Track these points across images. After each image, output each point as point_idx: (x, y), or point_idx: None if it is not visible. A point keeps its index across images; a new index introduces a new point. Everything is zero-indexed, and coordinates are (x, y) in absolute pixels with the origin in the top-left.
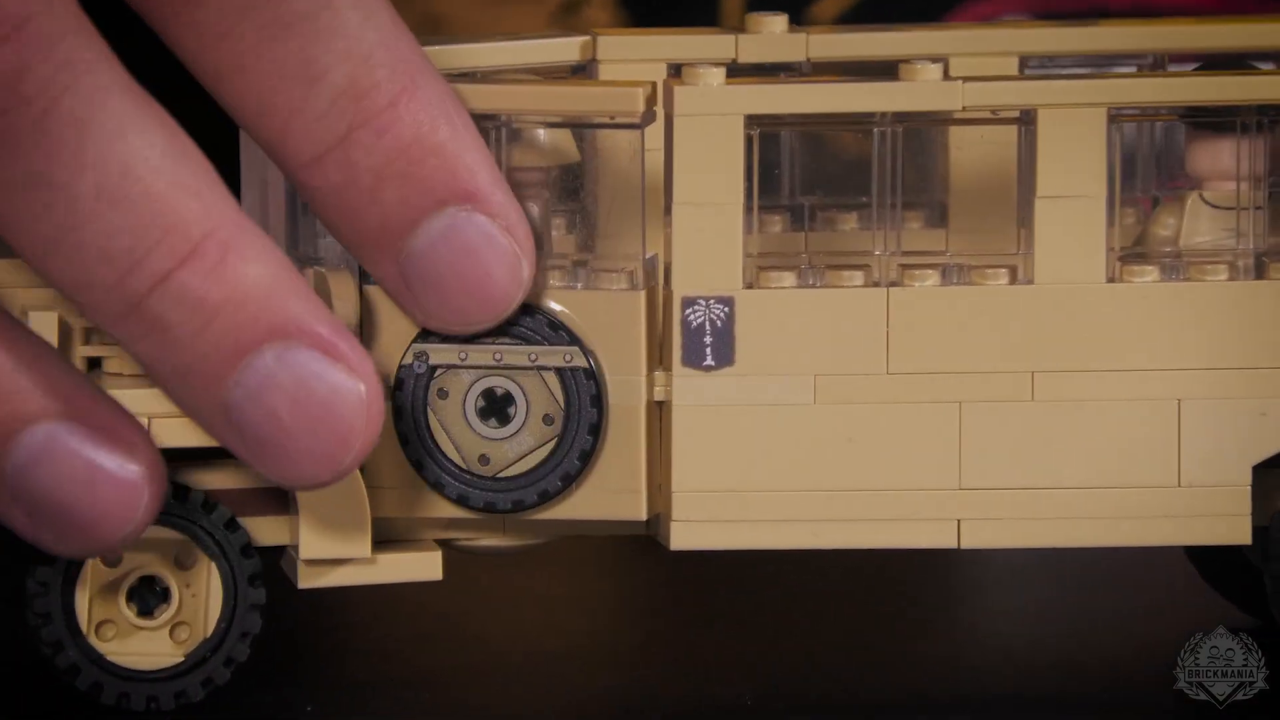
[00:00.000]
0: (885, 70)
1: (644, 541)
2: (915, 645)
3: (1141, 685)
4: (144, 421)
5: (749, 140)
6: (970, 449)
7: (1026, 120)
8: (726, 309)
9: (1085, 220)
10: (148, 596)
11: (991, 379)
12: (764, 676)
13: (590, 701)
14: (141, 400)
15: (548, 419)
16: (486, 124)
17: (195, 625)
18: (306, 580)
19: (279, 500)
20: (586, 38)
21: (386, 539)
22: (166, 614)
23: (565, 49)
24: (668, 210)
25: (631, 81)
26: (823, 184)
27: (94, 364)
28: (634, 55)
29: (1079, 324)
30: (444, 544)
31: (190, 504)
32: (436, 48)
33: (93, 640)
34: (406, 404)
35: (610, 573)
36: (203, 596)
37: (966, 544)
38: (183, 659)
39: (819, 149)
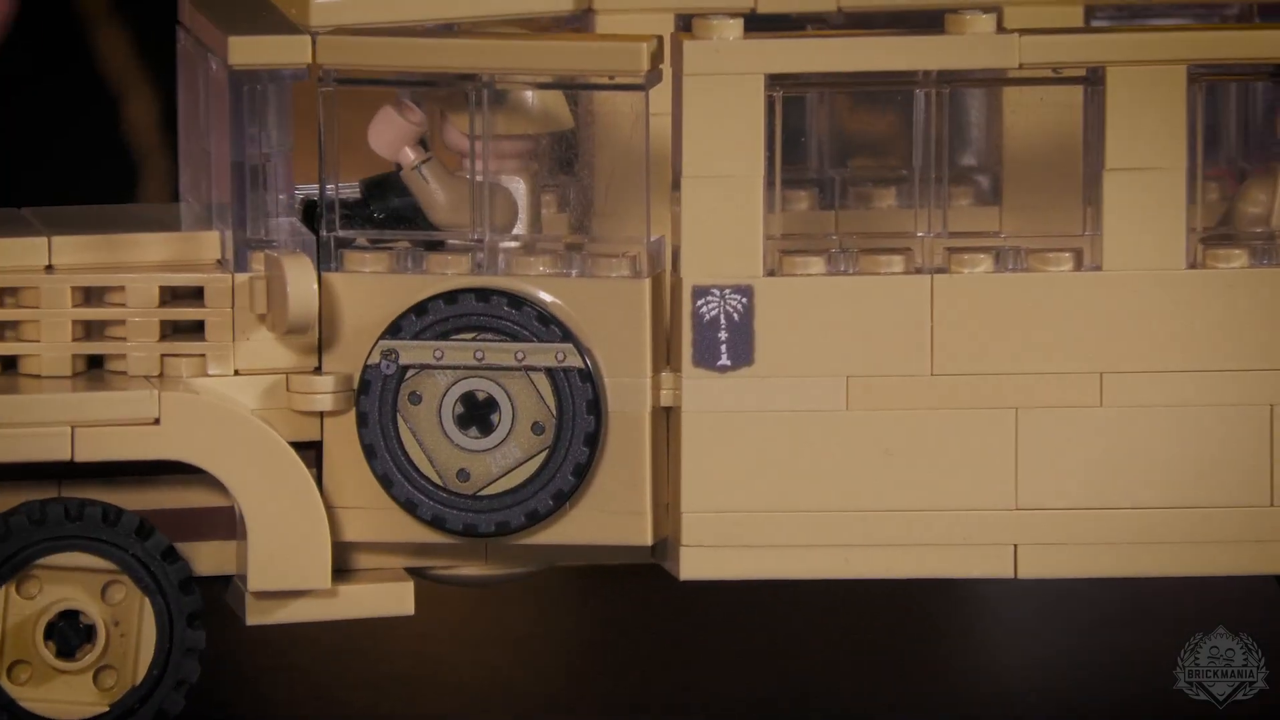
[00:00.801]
0: (929, 22)
1: (624, 569)
2: (913, 645)
3: (1141, 685)
4: (66, 430)
5: (770, 103)
6: (1028, 463)
7: (1093, 80)
8: (745, 300)
9: (1162, 196)
10: (69, 634)
11: (1053, 382)
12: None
13: None
14: (64, 407)
15: (537, 427)
16: (465, 84)
17: (123, 670)
18: (255, 615)
19: (222, 524)
20: None
21: (348, 568)
22: (90, 656)
23: None
24: (675, 185)
25: (634, 36)
26: (856, 155)
27: (9, 363)
28: (636, 4)
29: (1154, 317)
30: (415, 573)
31: (121, 528)
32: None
33: (3, 683)
34: (373, 410)
35: (587, 601)
36: (133, 636)
37: (1025, 573)
38: (107, 709)
39: (852, 114)
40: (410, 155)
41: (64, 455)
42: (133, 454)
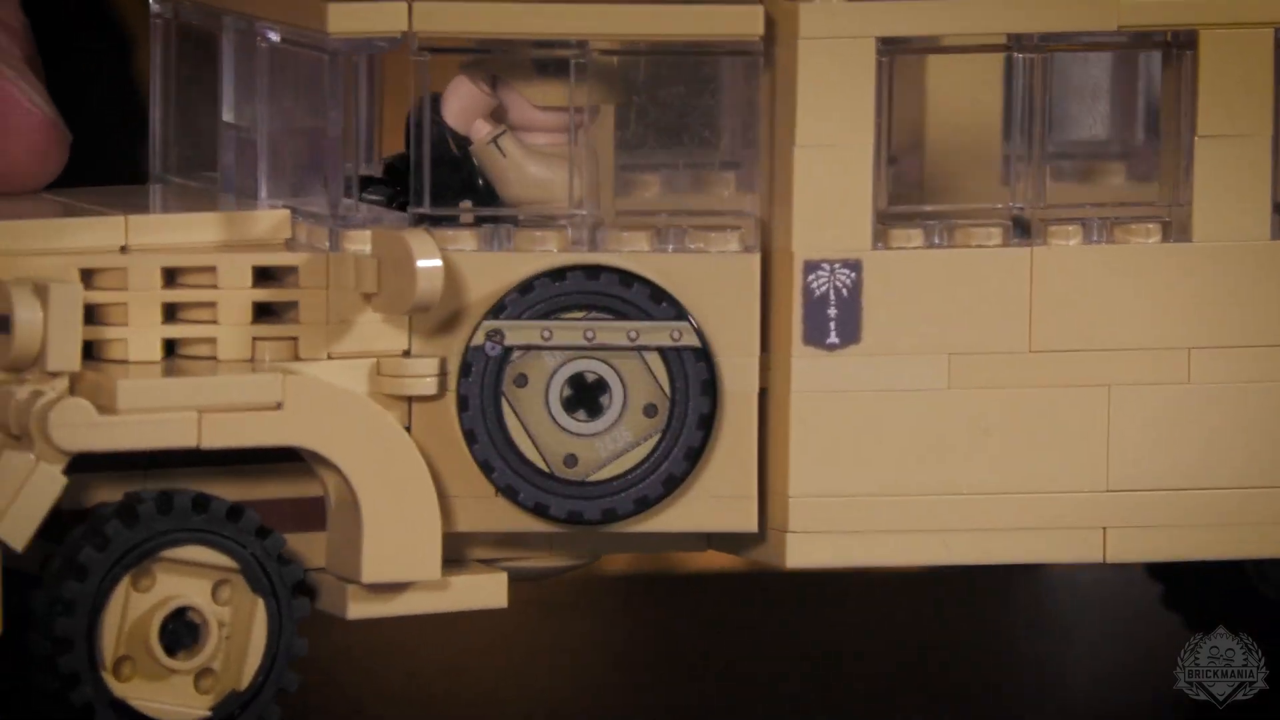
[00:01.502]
0: None
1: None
2: (911, 644)
3: (1142, 685)
4: (193, 415)
5: (880, 68)
6: (1118, 443)
7: (1179, 44)
8: (853, 275)
9: (1250, 164)
10: (181, 633)
11: (1143, 358)
12: None
13: None
14: (192, 391)
15: (649, 409)
16: (565, 51)
17: (225, 673)
18: (358, 609)
19: (305, 514)
20: None
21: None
22: (198, 656)
23: None
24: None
25: None
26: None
27: (170, 346)
28: None
29: (1241, 290)
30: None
31: (244, 525)
32: None
33: (109, 680)
34: (475, 394)
35: (597, 612)
36: (240, 639)
37: (1113, 557)
38: (209, 713)
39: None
40: (484, 127)
41: (191, 442)
42: (256, 440)
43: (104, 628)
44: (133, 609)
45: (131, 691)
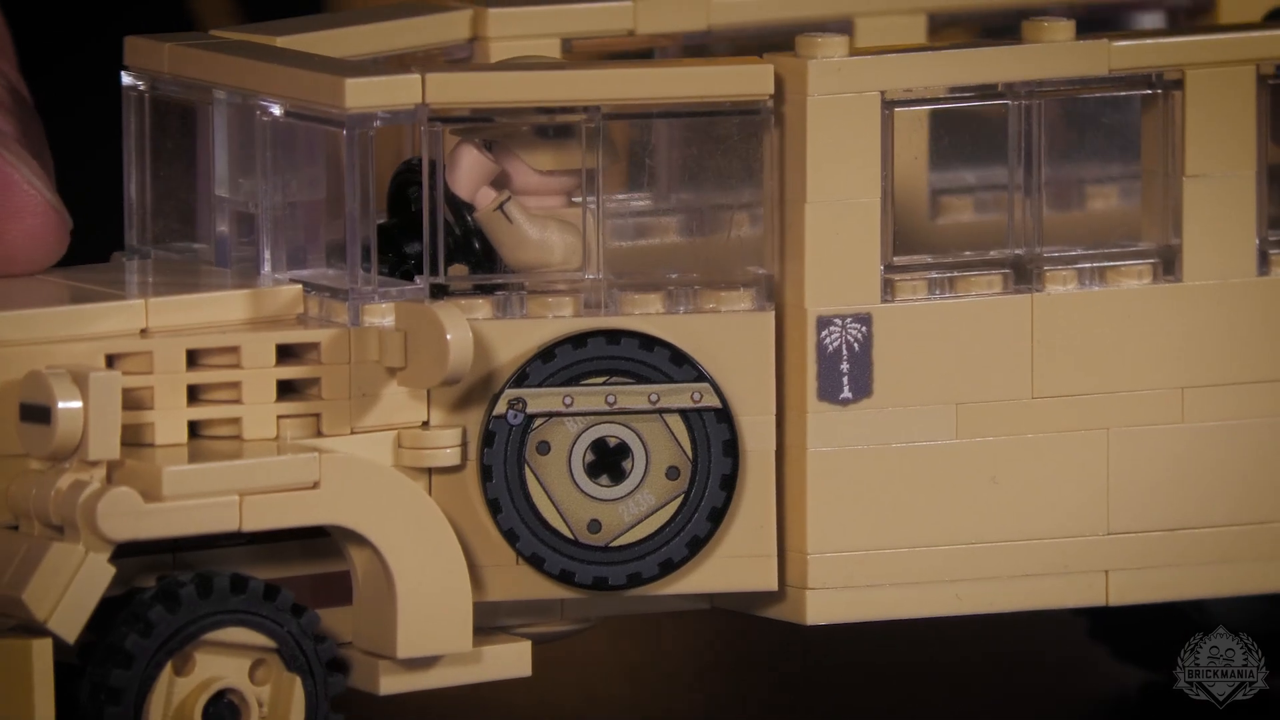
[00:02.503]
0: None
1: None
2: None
3: (1141, 685)
4: (235, 499)
5: (886, 123)
6: (1118, 485)
7: (1165, 85)
8: (864, 329)
9: (1237, 202)
10: (225, 715)
11: (1139, 399)
12: None
13: None
14: (232, 476)
15: (671, 472)
16: (576, 116)
17: None
18: (390, 685)
19: (328, 590)
20: (471, 11)
21: None
22: None
23: (453, 24)
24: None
25: (753, 59)
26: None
27: (194, 428)
28: (525, 30)
29: (1230, 328)
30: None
31: (279, 604)
32: (303, 35)
33: None
34: (499, 463)
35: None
36: (279, 712)
37: (1115, 600)
38: None
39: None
40: (490, 194)
41: (233, 525)
42: (295, 520)
43: (149, 714)
44: (176, 693)
45: None
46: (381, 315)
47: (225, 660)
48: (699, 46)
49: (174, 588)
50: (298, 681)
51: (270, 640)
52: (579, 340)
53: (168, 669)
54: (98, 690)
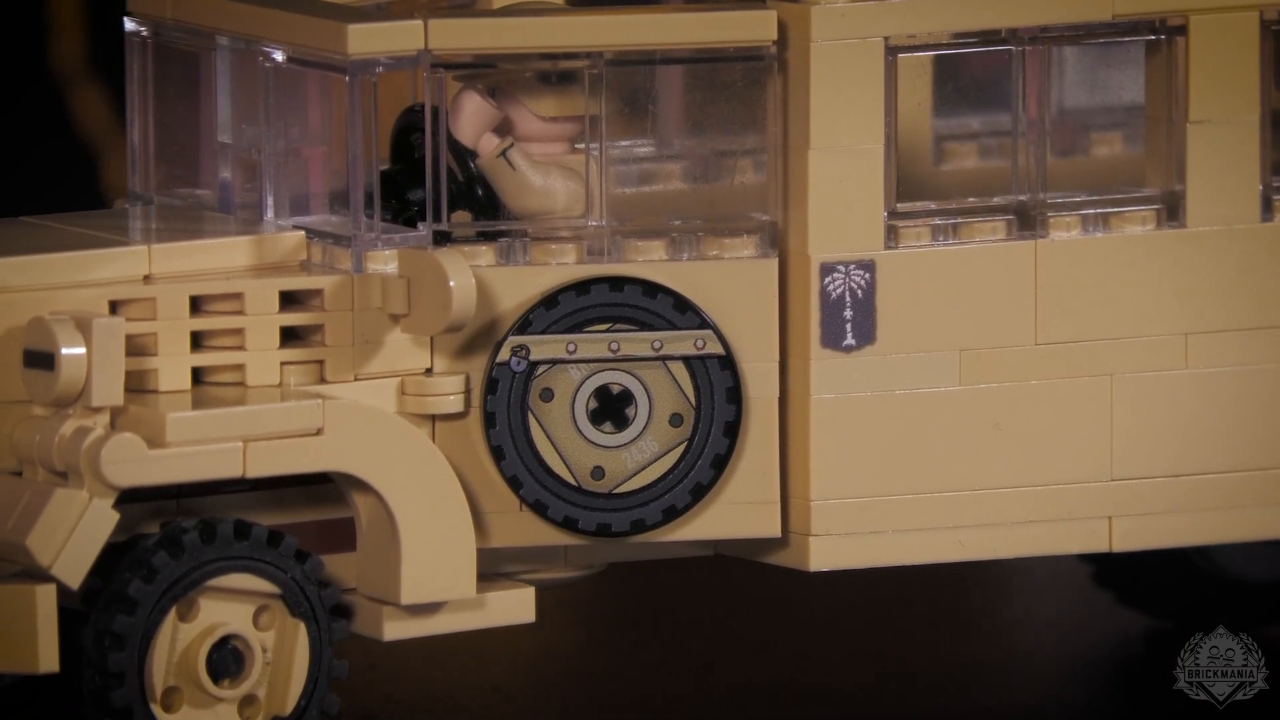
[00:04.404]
0: None
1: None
2: (909, 645)
3: (1141, 685)
4: (239, 445)
5: (889, 69)
6: (1121, 432)
7: (1169, 31)
8: (867, 275)
9: (1240, 148)
10: (229, 661)
11: (1143, 345)
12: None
13: None
14: (235, 422)
15: (675, 419)
16: (578, 63)
17: (269, 699)
18: (393, 630)
19: (332, 536)
20: None
21: None
22: (244, 683)
23: None
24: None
25: (756, 4)
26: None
27: (197, 375)
28: None
29: (1233, 274)
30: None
31: (283, 550)
32: None
33: (157, 712)
34: (502, 410)
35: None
36: (282, 665)
37: (1119, 546)
38: None
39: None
40: (493, 140)
41: (236, 472)
42: (298, 467)
43: (153, 660)
44: (180, 639)
45: None
46: (384, 262)
47: (229, 606)
48: None
49: (178, 534)
50: (302, 627)
51: (275, 586)
52: (582, 287)
53: (172, 615)
54: (102, 636)
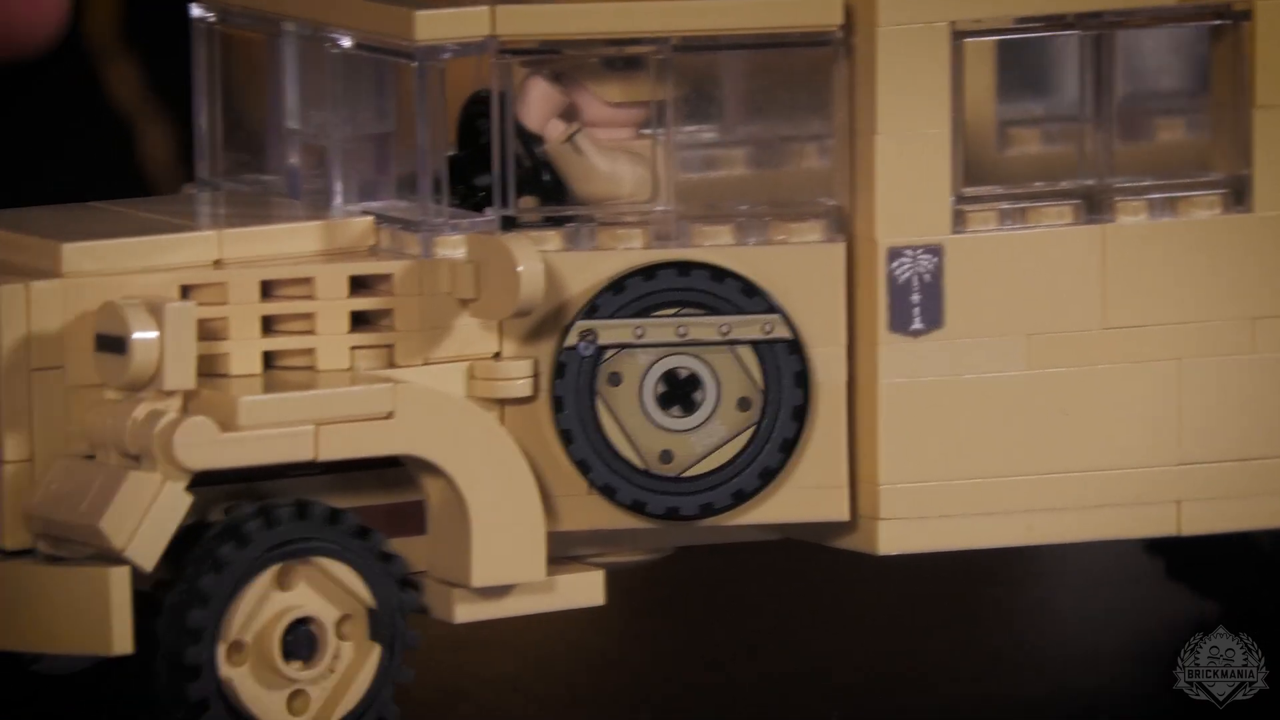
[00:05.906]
0: None
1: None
2: (910, 647)
3: (1142, 685)
4: (310, 429)
5: (955, 53)
6: (1189, 416)
7: (1234, 15)
8: (935, 260)
9: None
10: (303, 642)
11: (1210, 330)
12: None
13: None
14: (308, 406)
15: (743, 403)
16: (644, 48)
17: (324, 703)
18: (465, 613)
19: (401, 520)
20: None
21: None
22: (305, 673)
23: None
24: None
25: None
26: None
27: (268, 359)
28: None
29: None
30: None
31: (393, 570)
32: None
33: (220, 656)
34: (570, 394)
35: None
36: (346, 680)
37: (1188, 530)
38: None
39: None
40: (560, 126)
41: (308, 455)
42: (369, 450)
43: (234, 612)
44: (269, 604)
45: (235, 677)
46: (453, 247)
47: (322, 599)
48: None
49: (272, 508)
50: (377, 651)
51: (372, 600)
52: (649, 272)
53: (271, 575)
54: (188, 594)
